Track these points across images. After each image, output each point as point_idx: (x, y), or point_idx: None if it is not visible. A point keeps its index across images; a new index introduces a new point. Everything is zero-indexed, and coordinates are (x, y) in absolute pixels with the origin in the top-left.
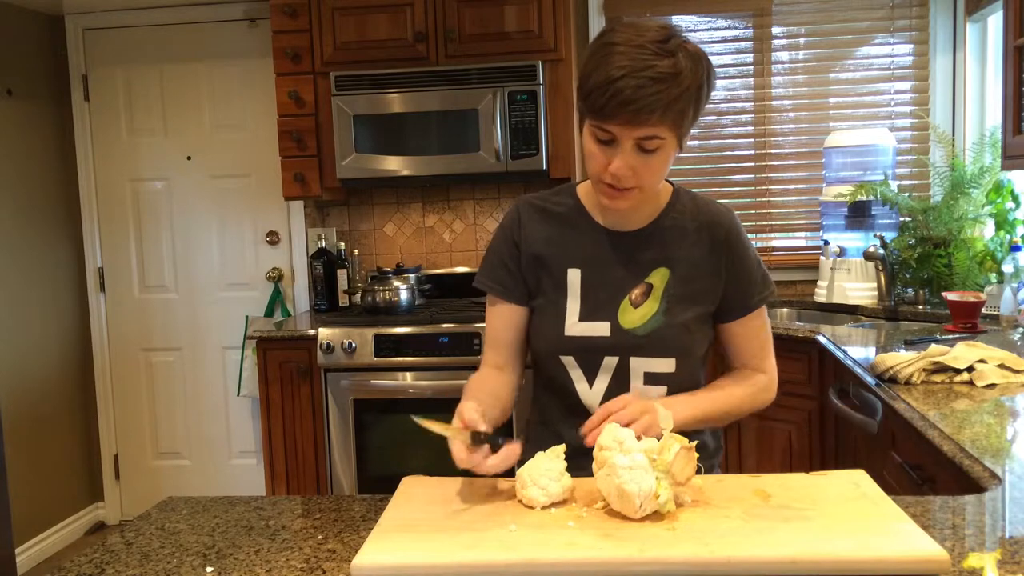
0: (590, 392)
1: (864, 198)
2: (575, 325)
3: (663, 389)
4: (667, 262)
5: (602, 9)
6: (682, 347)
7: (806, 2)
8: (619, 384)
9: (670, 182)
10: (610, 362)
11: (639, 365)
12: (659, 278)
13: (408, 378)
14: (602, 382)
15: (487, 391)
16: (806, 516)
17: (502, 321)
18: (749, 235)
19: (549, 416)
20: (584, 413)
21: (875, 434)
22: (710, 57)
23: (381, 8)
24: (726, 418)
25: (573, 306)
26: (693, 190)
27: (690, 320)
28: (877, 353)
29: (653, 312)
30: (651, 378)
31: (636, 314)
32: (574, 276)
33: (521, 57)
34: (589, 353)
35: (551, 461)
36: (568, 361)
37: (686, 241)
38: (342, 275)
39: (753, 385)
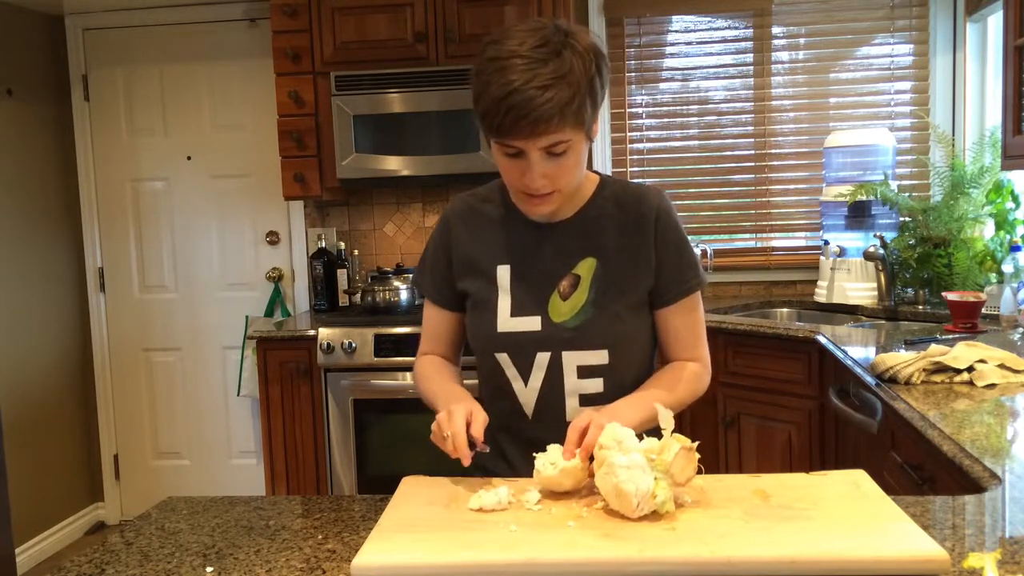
0: (525, 390)
1: (864, 198)
2: (507, 321)
3: (599, 382)
4: (594, 252)
5: (602, 9)
6: (614, 338)
7: (806, 2)
8: (553, 381)
9: (597, 173)
10: (543, 358)
11: (571, 359)
12: (586, 268)
13: (408, 378)
14: (536, 379)
15: (454, 378)
16: (806, 516)
17: (434, 321)
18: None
19: (492, 420)
20: (522, 413)
21: (875, 434)
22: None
23: (381, 8)
24: None
25: (504, 302)
26: (626, 180)
27: (621, 309)
28: (877, 353)
29: (582, 303)
30: (585, 371)
31: (565, 306)
32: (503, 272)
33: None
34: (522, 348)
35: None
36: (503, 359)
37: (613, 229)
38: (342, 275)
39: (690, 376)
